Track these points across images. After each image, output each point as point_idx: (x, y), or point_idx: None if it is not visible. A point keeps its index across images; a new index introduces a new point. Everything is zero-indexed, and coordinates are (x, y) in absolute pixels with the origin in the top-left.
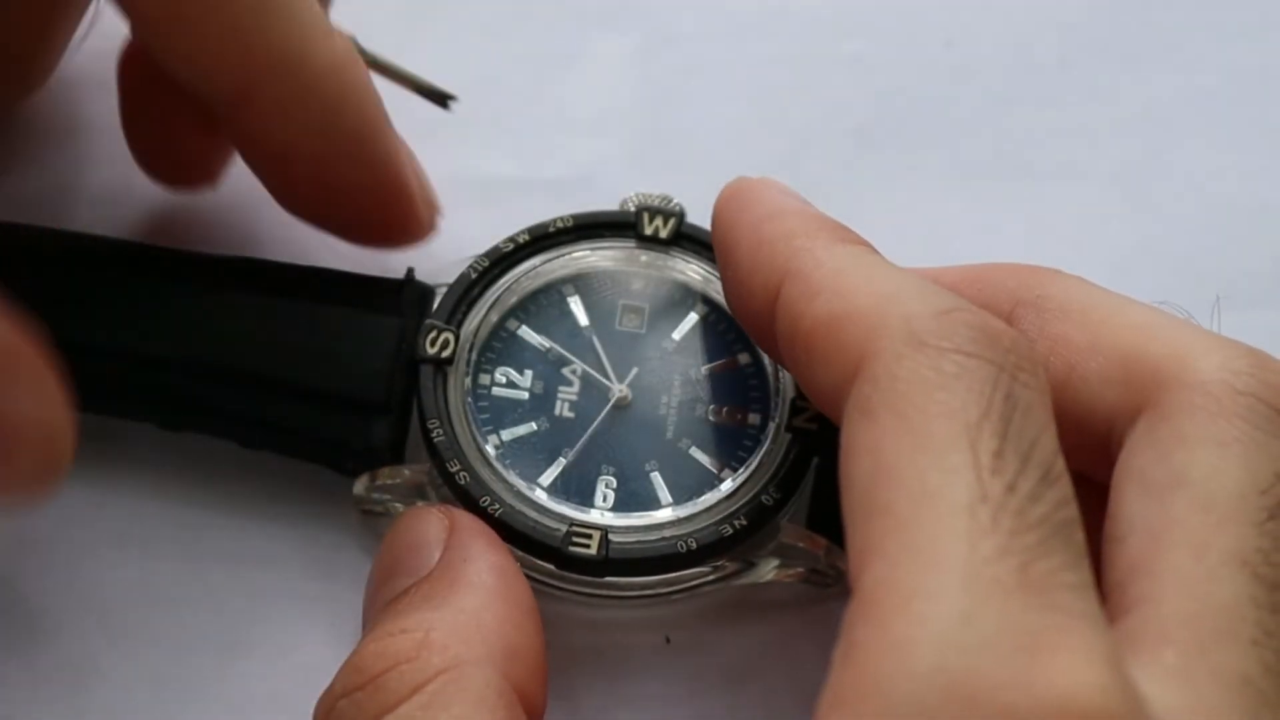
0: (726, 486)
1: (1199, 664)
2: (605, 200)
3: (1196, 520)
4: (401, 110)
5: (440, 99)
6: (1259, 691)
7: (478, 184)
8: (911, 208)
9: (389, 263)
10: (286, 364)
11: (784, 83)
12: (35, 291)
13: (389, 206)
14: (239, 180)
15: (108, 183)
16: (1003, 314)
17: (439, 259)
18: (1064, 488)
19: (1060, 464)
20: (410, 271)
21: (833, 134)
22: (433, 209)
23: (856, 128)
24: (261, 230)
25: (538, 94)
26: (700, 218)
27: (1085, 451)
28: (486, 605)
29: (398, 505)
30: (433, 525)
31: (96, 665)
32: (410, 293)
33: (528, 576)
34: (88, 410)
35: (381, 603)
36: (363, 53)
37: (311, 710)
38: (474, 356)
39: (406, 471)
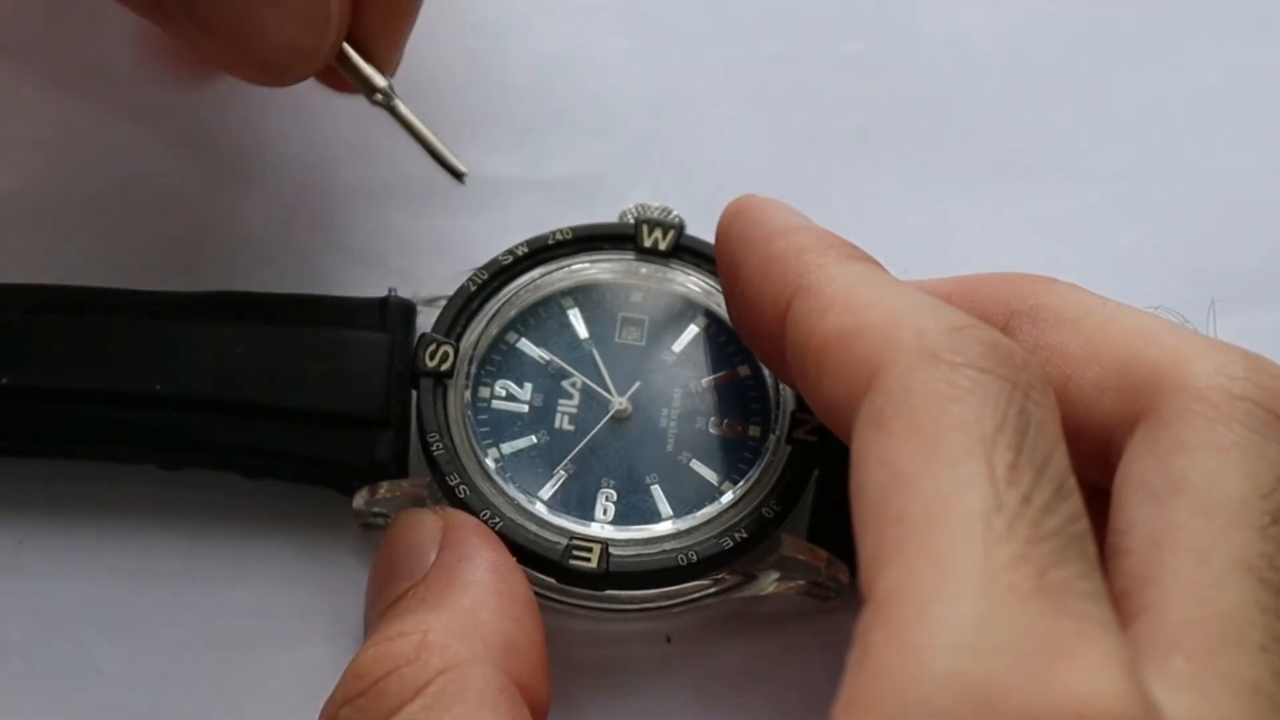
0: (727, 499)
1: (1208, 670)
2: (605, 201)
3: (1199, 526)
4: (403, 108)
5: (455, 174)
6: (1269, 697)
7: (478, 184)
8: (912, 208)
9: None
10: (282, 390)
11: (784, 83)
12: (24, 344)
13: None
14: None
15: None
16: (998, 325)
17: (440, 265)
18: (1077, 502)
19: (1073, 481)
20: (391, 290)
21: (833, 134)
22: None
23: (857, 128)
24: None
25: (538, 94)
26: (700, 219)
27: (1085, 461)
28: (483, 602)
29: None
30: (427, 527)
31: (97, 665)
32: (394, 309)
33: None
34: (87, 458)
35: (380, 607)
36: (395, 110)
37: (309, 711)
38: (473, 369)
39: (406, 485)
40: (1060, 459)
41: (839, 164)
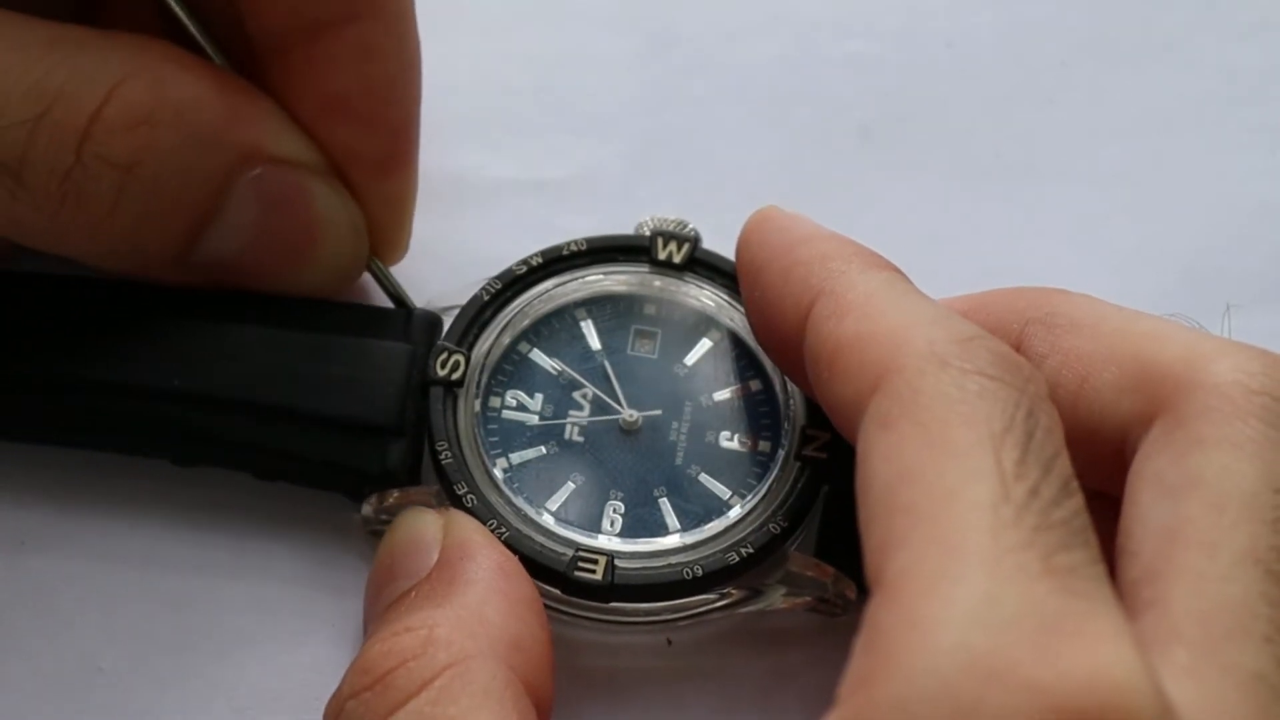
0: (734, 513)
1: (1211, 661)
2: (605, 202)
3: (1210, 520)
4: None
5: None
6: (1272, 687)
7: (479, 185)
8: (912, 207)
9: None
10: (300, 393)
11: (784, 83)
12: (50, 334)
13: (392, 167)
14: None
15: None
16: (1014, 334)
17: (439, 266)
18: (1081, 501)
19: (1076, 483)
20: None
21: (833, 134)
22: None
23: (857, 128)
24: None
25: (538, 95)
26: (700, 219)
27: (1098, 464)
28: (488, 600)
29: None
30: (429, 527)
31: (97, 665)
32: (419, 320)
33: None
34: (104, 449)
35: (382, 606)
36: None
37: (311, 710)
38: (484, 379)
39: (414, 493)
40: (1065, 461)
41: (839, 164)
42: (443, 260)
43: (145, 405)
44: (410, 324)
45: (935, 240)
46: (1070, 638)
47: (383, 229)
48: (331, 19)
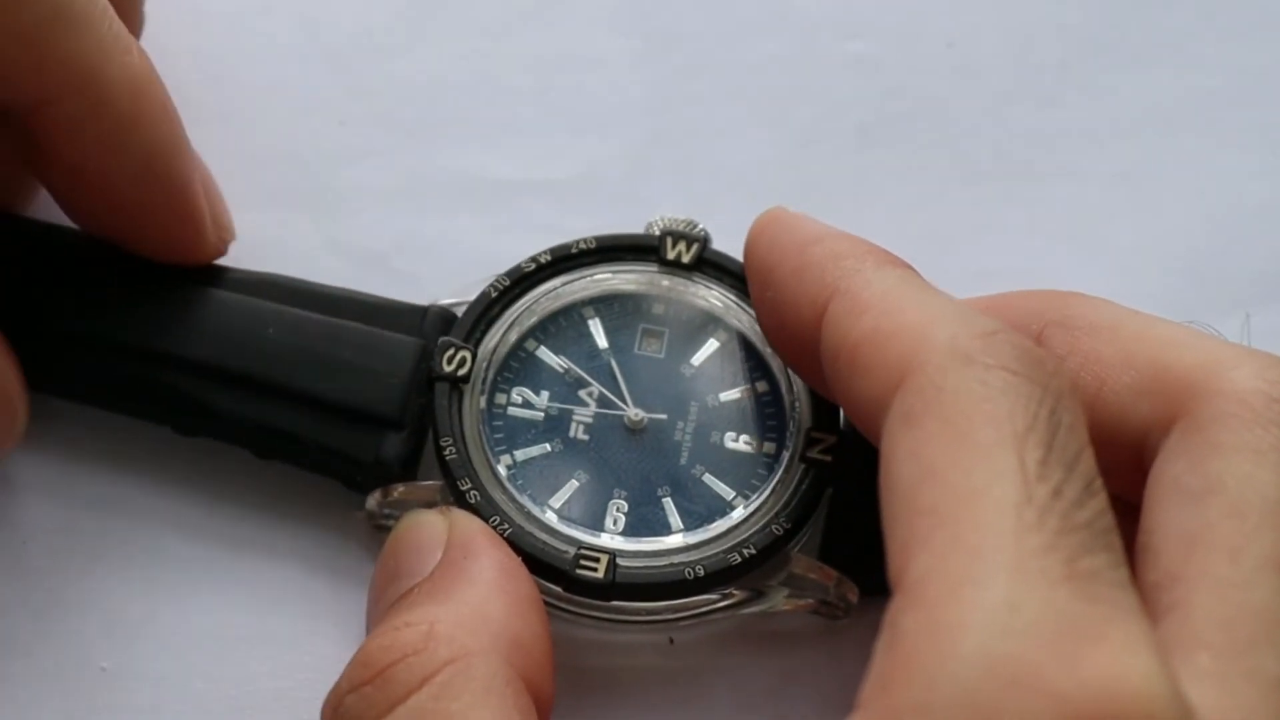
0: (737, 514)
1: (1234, 667)
2: (606, 202)
3: (1231, 526)
4: (404, 108)
5: None
6: None
7: (479, 186)
8: (912, 208)
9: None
10: (304, 375)
11: (785, 83)
12: (63, 289)
13: (176, 227)
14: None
15: None
16: (1031, 335)
17: (439, 266)
18: (1104, 500)
19: (1100, 482)
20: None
21: (834, 134)
22: (223, 232)
23: (858, 128)
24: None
25: (538, 94)
26: (701, 220)
27: (1116, 469)
28: (490, 598)
29: None
30: (434, 527)
31: (97, 665)
32: (433, 316)
33: None
34: (111, 409)
35: (384, 605)
36: None
37: (314, 709)
38: (491, 375)
39: (419, 488)
40: (1088, 460)
41: (839, 164)
42: (444, 260)
43: (150, 369)
44: (425, 319)
45: (935, 240)
46: (1091, 644)
47: (181, 239)
48: (31, 106)
